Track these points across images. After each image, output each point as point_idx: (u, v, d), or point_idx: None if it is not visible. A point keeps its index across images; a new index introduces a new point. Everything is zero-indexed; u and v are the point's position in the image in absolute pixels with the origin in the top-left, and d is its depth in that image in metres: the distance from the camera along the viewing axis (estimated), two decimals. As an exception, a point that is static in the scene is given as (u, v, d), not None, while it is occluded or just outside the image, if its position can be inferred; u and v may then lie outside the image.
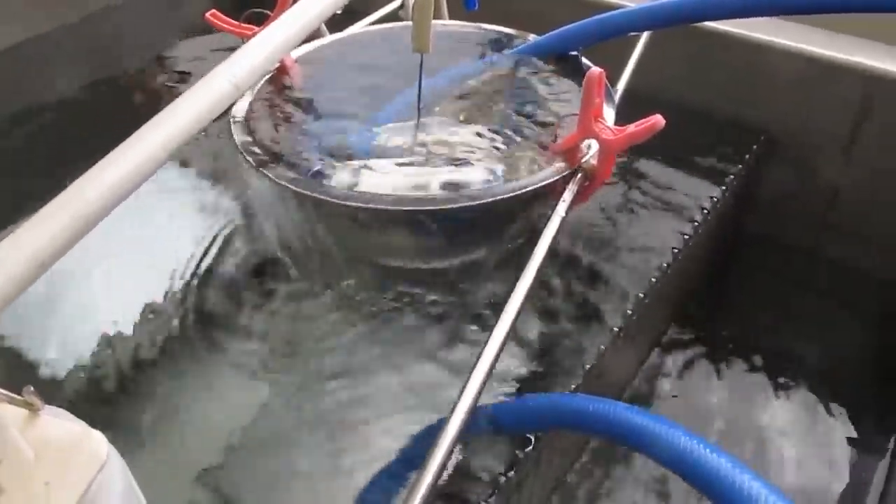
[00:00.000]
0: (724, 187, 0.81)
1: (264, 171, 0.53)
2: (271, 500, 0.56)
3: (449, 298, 0.64)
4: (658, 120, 0.48)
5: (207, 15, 0.64)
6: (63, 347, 0.65)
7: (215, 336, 0.66)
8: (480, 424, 0.54)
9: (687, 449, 0.40)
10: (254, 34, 0.52)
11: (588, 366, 0.62)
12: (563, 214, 0.50)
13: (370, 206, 0.50)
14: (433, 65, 0.61)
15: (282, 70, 0.64)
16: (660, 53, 0.67)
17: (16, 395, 0.30)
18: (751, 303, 0.97)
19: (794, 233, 0.96)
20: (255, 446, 0.59)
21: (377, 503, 0.55)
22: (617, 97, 0.60)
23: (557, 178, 0.52)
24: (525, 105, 0.59)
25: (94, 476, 0.29)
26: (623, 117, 0.54)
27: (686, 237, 0.75)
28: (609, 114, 0.56)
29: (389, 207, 0.50)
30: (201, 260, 0.72)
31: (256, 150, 0.55)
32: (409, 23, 0.59)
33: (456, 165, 0.53)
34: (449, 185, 0.51)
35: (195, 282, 0.70)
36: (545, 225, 0.50)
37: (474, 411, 0.40)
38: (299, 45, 0.55)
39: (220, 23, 0.64)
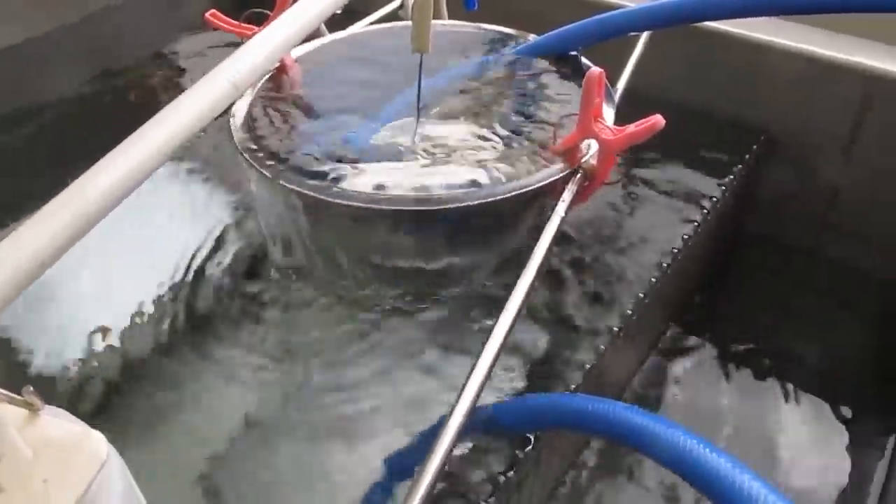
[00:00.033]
0: (724, 187, 0.81)
1: (263, 171, 0.53)
2: (271, 501, 0.56)
3: (448, 298, 0.64)
4: (658, 120, 0.48)
5: (207, 15, 0.64)
6: (63, 347, 0.65)
7: (215, 336, 0.66)
8: (480, 424, 0.54)
9: (687, 449, 0.40)
10: (254, 34, 0.52)
11: (588, 366, 0.62)
12: (563, 214, 0.50)
13: (370, 205, 0.50)
14: (433, 65, 0.61)
15: (281, 70, 0.64)
16: (660, 53, 0.67)
17: (15, 395, 0.30)
18: (751, 303, 0.97)
19: (794, 233, 0.96)
20: (255, 446, 0.59)
21: (377, 503, 0.55)
22: (617, 97, 0.60)
23: (557, 178, 0.52)
24: (525, 105, 0.59)
25: (94, 476, 0.29)
26: (623, 117, 0.54)
27: (686, 237, 0.75)
28: (609, 114, 0.56)
29: (389, 207, 0.50)
30: (201, 260, 0.72)
31: (256, 149, 0.55)
32: (409, 23, 0.59)
33: (455, 165, 0.53)
34: (448, 185, 0.51)
35: (194, 282, 0.70)
36: (545, 225, 0.49)
37: (474, 411, 0.40)
38: (299, 44, 0.55)
39: (219, 23, 0.64)
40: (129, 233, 0.71)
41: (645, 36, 0.67)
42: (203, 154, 0.85)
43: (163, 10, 1.28)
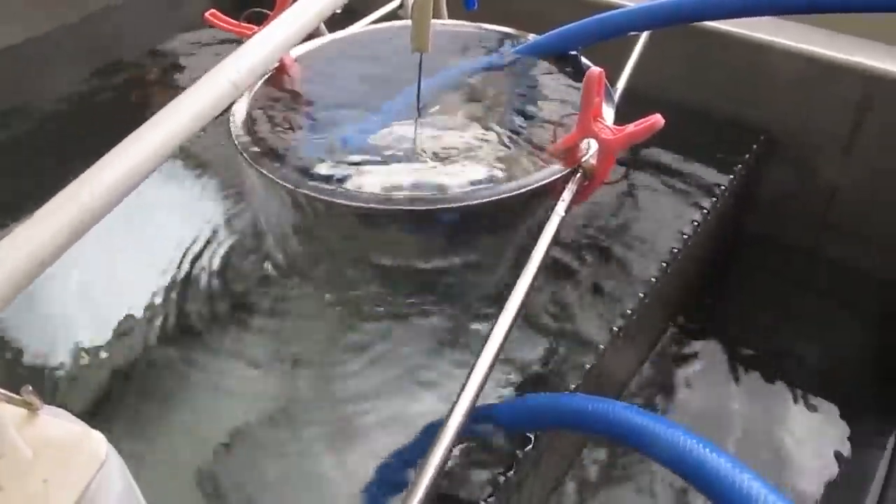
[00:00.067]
0: (723, 187, 0.81)
1: (263, 171, 0.53)
2: (271, 501, 0.56)
3: (448, 298, 0.64)
4: (657, 119, 0.48)
5: (207, 14, 0.64)
6: (62, 347, 0.65)
7: (216, 336, 0.66)
8: (480, 424, 0.54)
9: (687, 449, 0.40)
10: (253, 33, 0.52)
11: (588, 366, 0.62)
12: (563, 214, 0.50)
13: (369, 205, 0.50)
14: (432, 64, 0.61)
15: (281, 69, 0.64)
16: (659, 53, 0.67)
17: (14, 395, 0.30)
18: (751, 303, 0.97)
19: (794, 233, 0.96)
20: (255, 446, 0.59)
21: (377, 502, 0.55)
22: (616, 97, 0.60)
23: (557, 177, 0.52)
24: (524, 104, 0.59)
25: (94, 475, 0.29)
26: (622, 117, 0.54)
27: (686, 237, 0.75)
28: (608, 113, 0.56)
29: (389, 207, 0.50)
30: (200, 259, 0.72)
31: (255, 148, 0.55)
32: (409, 22, 0.59)
33: (455, 165, 0.53)
34: (448, 185, 0.51)
35: (194, 281, 0.70)
36: (545, 224, 0.49)
37: (474, 411, 0.40)
38: (299, 44, 0.55)
39: (219, 22, 0.64)
40: (128, 232, 0.71)
41: (644, 35, 0.67)
42: (203, 154, 0.85)
43: (162, 9, 1.28)
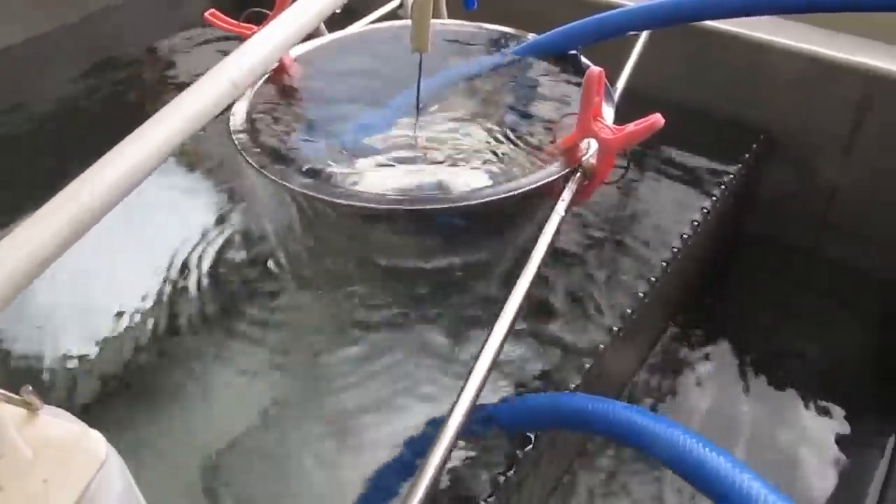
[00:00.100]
0: (723, 187, 0.81)
1: (263, 170, 0.53)
2: (270, 501, 0.56)
3: (448, 298, 0.64)
4: (657, 119, 0.48)
5: (207, 14, 0.64)
6: (62, 347, 0.65)
7: (215, 336, 0.66)
8: (480, 424, 0.54)
9: (687, 448, 0.40)
10: (253, 33, 0.52)
11: (588, 365, 0.62)
12: (563, 214, 0.50)
13: (369, 205, 0.50)
14: (432, 64, 0.61)
15: (281, 69, 0.64)
16: (659, 53, 0.67)
17: (14, 395, 0.30)
18: (751, 303, 0.97)
19: (794, 233, 0.96)
20: (255, 446, 0.59)
21: (377, 502, 0.55)
22: (616, 96, 0.60)
23: (557, 177, 0.52)
24: (524, 104, 0.59)
25: (94, 475, 0.29)
26: (622, 116, 0.53)
27: (686, 237, 0.75)
28: (608, 113, 0.56)
29: (389, 207, 0.50)
30: (200, 259, 0.72)
31: (255, 148, 0.55)
32: (408, 22, 0.59)
33: (455, 164, 0.53)
34: (448, 185, 0.51)
35: (194, 281, 0.70)
36: (545, 224, 0.49)
37: (474, 411, 0.40)
38: (298, 44, 0.55)
39: (219, 22, 0.63)
40: (128, 232, 0.71)
41: (644, 35, 0.67)
42: (202, 153, 0.85)
43: (162, 9, 1.28)
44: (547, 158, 0.53)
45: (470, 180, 0.51)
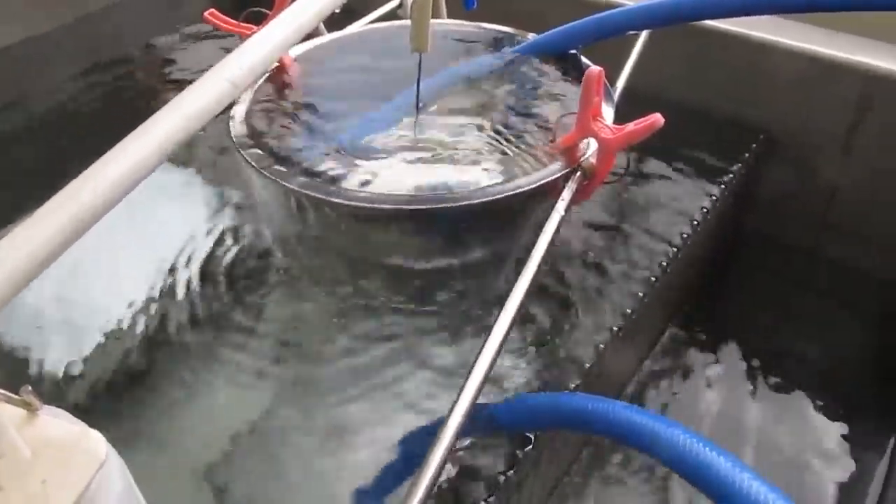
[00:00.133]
0: (723, 187, 0.81)
1: (262, 170, 0.53)
2: (270, 501, 0.56)
3: (448, 297, 0.64)
4: (657, 119, 0.48)
5: (206, 14, 0.64)
6: (62, 347, 0.65)
7: (215, 336, 0.66)
8: (480, 423, 0.54)
9: (687, 448, 0.40)
10: (252, 33, 0.52)
11: (587, 365, 0.62)
12: (563, 213, 0.50)
13: (368, 205, 0.50)
14: (432, 64, 0.61)
15: (280, 69, 0.64)
16: (659, 52, 0.67)
17: (14, 395, 0.30)
18: (751, 303, 0.97)
19: (794, 233, 0.96)
20: (254, 446, 0.59)
21: (377, 502, 0.55)
22: (616, 96, 0.60)
23: (556, 176, 0.52)
24: (524, 104, 0.59)
25: (93, 475, 0.28)
26: (622, 116, 0.53)
27: (686, 237, 0.75)
28: (608, 112, 0.56)
29: (388, 207, 0.50)
30: (200, 259, 0.72)
31: (255, 148, 0.55)
32: (408, 22, 0.59)
33: (455, 164, 0.53)
34: (448, 184, 0.51)
35: (194, 281, 0.70)
36: (545, 224, 0.49)
37: (474, 410, 0.40)
38: (298, 43, 0.55)
39: (219, 22, 0.63)
40: (128, 231, 0.71)
41: (644, 35, 0.67)
42: (202, 153, 0.85)
43: (162, 9, 1.28)
44: (547, 158, 0.53)
45: (470, 180, 0.51)
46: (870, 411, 0.84)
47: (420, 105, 0.59)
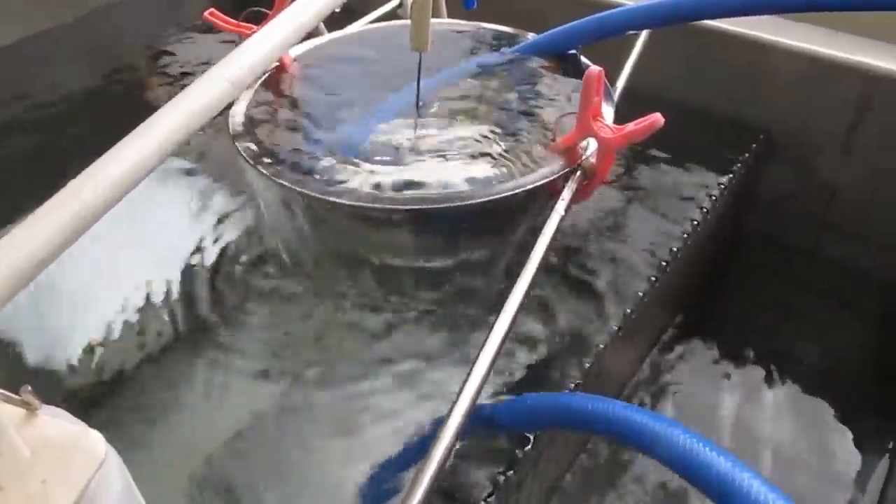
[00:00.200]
0: (723, 186, 0.81)
1: (262, 170, 0.53)
2: (270, 501, 0.56)
3: (448, 297, 0.64)
4: (657, 118, 0.47)
5: (206, 13, 0.64)
6: (61, 347, 0.65)
7: (214, 335, 0.66)
8: (480, 423, 0.54)
9: (687, 448, 0.40)
10: (252, 33, 0.52)
11: (587, 365, 0.62)
12: (563, 213, 0.50)
13: (368, 205, 0.50)
14: (432, 64, 0.61)
15: (280, 68, 0.64)
16: (659, 52, 0.67)
17: (13, 395, 0.30)
18: (751, 303, 0.97)
19: (794, 233, 0.96)
20: (254, 446, 0.59)
21: (377, 502, 0.55)
22: (616, 96, 0.60)
23: (556, 176, 0.52)
24: (524, 104, 0.59)
25: (93, 475, 0.28)
26: (622, 116, 0.53)
27: (685, 236, 0.75)
28: (608, 112, 0.56)
29: (388, 206, 0.50)
30: (200, 259, 0.72)
31: (254, 147, 0.55)
32: (408, 21, 0.59)
33: (454, 164, 0.53)
34: (448, 184, 0.51)
35: (194, 281, 0.70)
36: (544, 224, 0.49)
37: (473, 410, 0.40)
38: (298, 43, 0.55)
39: (218, 21, 0.63)
40: (128, 231, 0.71)
41: (644, 35, 0.67)
42: (201, 153, 0.85)
43: (162, 8, 1.28)
44: (547, 158, 0.53)
45: (469, 180, 0.51)
46: (870, 411, 0.84)
47: (420, 105, 0.59)
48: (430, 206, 0.50)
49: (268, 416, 0.60)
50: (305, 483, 0.56)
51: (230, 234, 0.74)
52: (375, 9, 0.76)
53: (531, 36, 0.67)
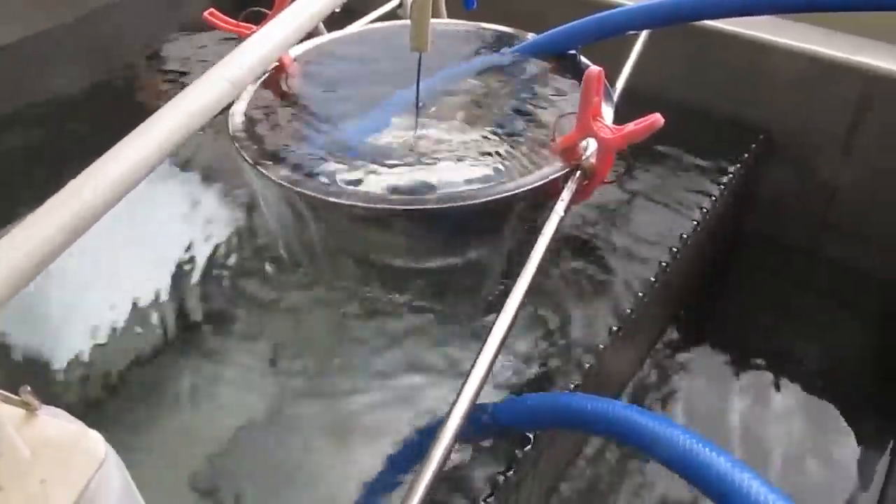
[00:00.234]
0: (723, 186, 0.81)
1: (262, 170, 0.53)
2: (269, 501, 0.56)
3: (447, 298, 0.64)
4: (657, 119, 0.47)
5: (206, 13, 0.64)
6: (61, 347, 0.65)
7: (214, 335, 0.66)
8: (480, 423, 0.54)
9: (686, 448, 0.40)
10: (252, 33, 0.52)
11: (587, 365, 0.62)
12: (562, 213, 0.50)
13: (368, 205, 0.50)
14: (432, 64, 0.61)
15: (280, 68, 0.64)
16: (659, 52, 0.67)
17: (13, 395, 0.30)
18: (751, 303, 0.97)
19: (793, 233, 0.96)
20: (253, 447, 0.59)
21: (377, 502, 0.55)
22: (616, 96, 0.60)
23: (556, 176, 0.52)
24: (524, 104, 0.59)
25: (92, 475, 0.28)
26: (622, 116, 0.53)
27: (685, 237, 0.75)
28: (608, 112, 0.56)
29: (388, 206, 0.50)
30: (200, 258, 0.71)
31: (254, 148, 0.55)
32: (408, 22, 0.59)
33: (454, 164, 0.53)
34: (447, 185, 0.51)
35: (194, 281, 0.70)
36: (544, 224, 0.49)
37: (473, 410, 0.40)
38: (297, 43, 0.55)
39: (218, 21, 0.63)
40: (127, 231, 0.71)
41: (644, 35, 0.67)
42: (201, 152, 0.85)
43: (162, 8, 1.28)
44: (546, 158, 0.53)
45: (469, 180, 0.51)
46: (870, 411, 0.84)
47: (420, 105, 0.59)
48: (429, 207, 0.50)
49: (268, 417, 0.60)
50: (304, 483, 0.56)
51: (228, 233, 0.74)
52: (375, 9, 0.76)
53: (531, 36, 0.67)
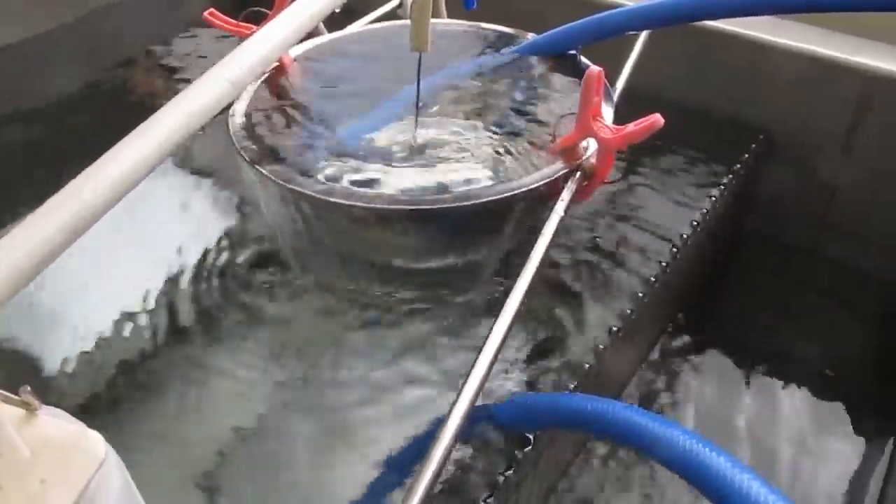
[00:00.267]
0: (723, 187, 0.81)
1: (262, 170, 0.53)
2: (269, 501, 0.56)
3: (448, 298, 0.64)
4: (657, 119, 0.47)
5: (206, 14, 0.64)
6: (61, 347, 0.65)
7: (214, 335, 0.66)
8: (480, 423, 0.54)
9: (686, 448, 0.40)
10: (252, 33, 0.52)
11: (587, 365, 0.62)
12: (562, 213, 0.50)
13: (368, 205, 0.50)
14: (432, 64, 0.61)
15: (280, 68, 0.64)
16: (659, 52, 0.67)
17: (13, 395, 0.30)
18: (751, 303, 0.97)
19: (793, 233, 0.96)
20: (253, 447, 0.59)
21: (377, 502, 0.55)
22: (616, 96, 0.60)
23: (556, 176, 0.52)
24: (524, 104, 0.59)
25: (92, 475, 0.28)
26: (622, 116, 0.53)
27: (685, 237, 0.75)
28: (608, 113, 0.56)
29: (387, 206, 0.50)
30: (200, 258, 0.71)
31: (254, 148, 0.55)
32: (408, 22, 0.59)
33: (454, 164, 0.53)
34: (447, 185, 0.51)
35: (194, 281, 0.70)
36: (544, 224, 0.49)
37: (473, 410, 0.40)
38: (297, 43, 0.55)
39: (218, 21, 0.63)
40: (127, 232, 0.71)
41: (644, 35, 0.67)
42: (201, 152, 0.85)
43: (162, 8, 1.28)
44: (546, 158, 0.53)
45: (469, 180, 0.51)
46: (870, 411, 0.84)
47: (420, 105, 0.59)
48: (429, 207, 0.50)
49: (268, 417, 0.60)
50: (304, 484, 0.56)
51: (228, 233, 0.74)
52: (375, 9, 0.76)
53: (531, 36, 0.67)
